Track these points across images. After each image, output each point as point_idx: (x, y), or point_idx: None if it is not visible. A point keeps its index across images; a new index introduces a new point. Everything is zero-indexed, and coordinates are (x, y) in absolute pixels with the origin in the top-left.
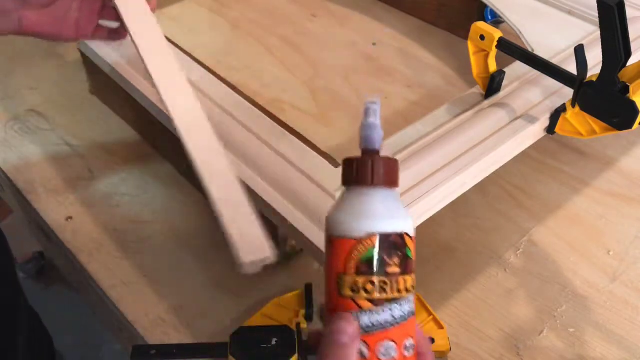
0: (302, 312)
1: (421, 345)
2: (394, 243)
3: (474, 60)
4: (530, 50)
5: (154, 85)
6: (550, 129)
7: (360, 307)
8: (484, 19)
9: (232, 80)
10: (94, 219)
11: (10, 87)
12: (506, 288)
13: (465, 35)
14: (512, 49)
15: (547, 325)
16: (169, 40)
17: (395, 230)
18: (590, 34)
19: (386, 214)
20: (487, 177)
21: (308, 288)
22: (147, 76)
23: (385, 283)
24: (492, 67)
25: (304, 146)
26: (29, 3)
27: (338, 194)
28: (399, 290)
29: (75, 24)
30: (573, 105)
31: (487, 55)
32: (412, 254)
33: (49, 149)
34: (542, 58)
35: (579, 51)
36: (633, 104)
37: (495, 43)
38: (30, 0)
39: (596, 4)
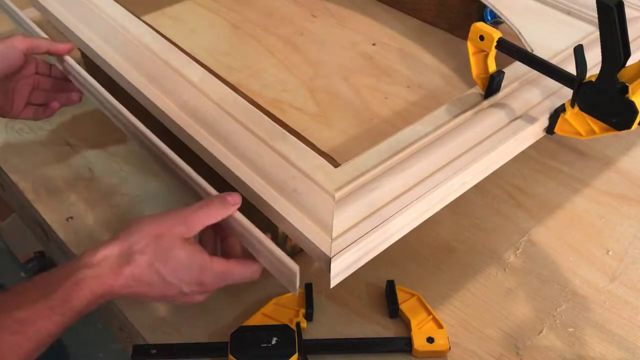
0: (302, 311)
1: None
2: None
3: (473, 61)
4: (529, 50)
5: None
6: (550, 129)
7: None
8: (484, 20)
9: (232, 80)
10: (94, 219)
11: None
12: (506, 288)
13: (464, 36)
14: (512, 50)
15: (546, 325)
16: (169, 40)
17: None
18: (589, 34)
19: None
20: (487, 177)
21: (308, 288)
22: None
23: None
24: (492, 67)
25: (304, 146)
26: None
27: (338, 194)
28: None
29: (11, 101)
30: (572, 106)
31: (486, 56)
32: None
33: (49, 149)
34: (541, 58)
35: (578, 51)
36: (632, 104)
37: (494, 43)
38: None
39: (595, 5)
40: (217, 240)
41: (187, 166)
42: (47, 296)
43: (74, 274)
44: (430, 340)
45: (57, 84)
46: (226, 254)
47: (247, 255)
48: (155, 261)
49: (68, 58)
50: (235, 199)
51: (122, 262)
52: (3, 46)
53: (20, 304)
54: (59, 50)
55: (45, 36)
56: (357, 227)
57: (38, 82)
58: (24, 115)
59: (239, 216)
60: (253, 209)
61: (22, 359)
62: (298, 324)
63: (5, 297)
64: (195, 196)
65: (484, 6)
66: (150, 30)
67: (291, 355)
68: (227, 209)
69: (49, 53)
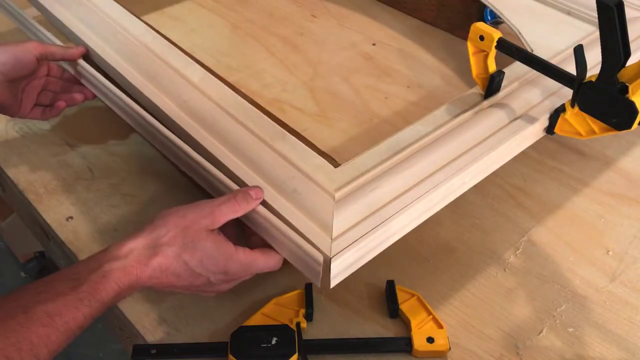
0: (302, 311)
1: None
2: None
3: (473, 61)
4: (529, 50)
5: None
6: (550, 129)
7: None
8: (484, 20)
9: (232, 80)
10: (94, 219)
11: None
12: (505, 288)
13: (464, 36)
14: (512, 50)
15: (546, 325)
16: (169, 40)
17: None
18: (589, 34)
19: None
20: (487, 177)
21: (308, 288)
22: None
23: None
24: (492, 67)
25: (304, 146)
26: (3, 74)
27: (338, 194)
28: None
29: (20, 101)
30: (572, 106)
31: (486, 56)
32: None
33: (49, 149)
34: (541, 58)
35: (578, 51)
36: (632, 104)
37: (494, 43)
38: (5, 72)
39: (595, 5)
40: (240, 235)
41: (206, 162)
42: (75, 289)
43: (101, 266)
44: (430, 340)
45: (65, 85)
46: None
47: (269, 247)
48: (182, 252)
49: (80, 61)
50: (258, 194)
51: (150, 253)
52: (18, 50)
53: (49, 296)
54: (73, 56)
55: (55, 39)
56: (357, 227)
57: (47, 83)
58: (32, 116)
59: (261, 209)
60: None
61: (52, 350)
62: (298, 324)
63: (34, 290)
64: (213, 190)
65: (484, 6)
66: (150, 30)
67: (291, 355)
68: (250, 203)
69: (63, 60)
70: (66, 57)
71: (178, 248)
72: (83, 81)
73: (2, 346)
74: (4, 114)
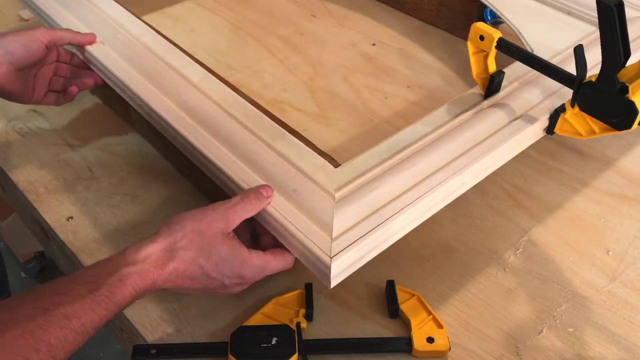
0: (302, 311)
1: None
2: None
3: (473, 61)
4: (529, 50)
5: None
6: (550, 129)
7: None
8: (484, 20)
9: (232, 80)
10: (94, 219)
11: None
12: (506, 288)
13: (464, 36)
14: (512, 50)
15: (546, 325)
16: (169, 40)
17: None
18: (589, 34)
19: None
20: (487, 177)
21: (308, 288)
22: None
23: None
24: (492, 67)
25: (304, 146)
26: (12, 63)
27: (338, 195)
28: None
29: (32, 88)
30: (572, 106)
31: (486, 56)
32: None
33: (49, 149)
34: (541, 58)
35: (578, 51)
36: (632, 104)
37: (494, 43)
38: (14, 61)
39: (595, 5)
40: (252, 235)
41: (217, 159)
42: (93, 292)
43: (118, 270)
44: (430, 340)
45: (74, 70)
46: (261, 248)
47: (280, 245)
48: (198, 257)
49: (89, 47)
50: (268, 192)
51: (166, 258)
52: (26, 39)
53: (67, 299)
54: (81, 42)
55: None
56: (357, 227)
57: (57, 69)
58: (46, 102)
59: (272, 209)
60: None
61: (69, 351)
62: (298, 324)
63: (52, 291)
64: (215, 177)
65: (484, 6)
66: (150, 30)
67: (291, 355)
68: (262, 201)
69: (71, 44)
70: (74, 42)
71: (194, 252)
72: (91, 67)
73: (21, 347)
74: (18, 102)
